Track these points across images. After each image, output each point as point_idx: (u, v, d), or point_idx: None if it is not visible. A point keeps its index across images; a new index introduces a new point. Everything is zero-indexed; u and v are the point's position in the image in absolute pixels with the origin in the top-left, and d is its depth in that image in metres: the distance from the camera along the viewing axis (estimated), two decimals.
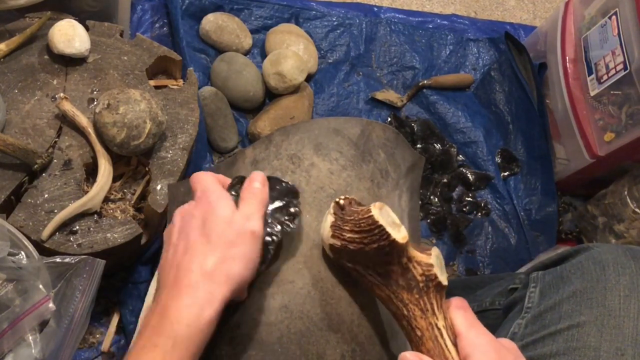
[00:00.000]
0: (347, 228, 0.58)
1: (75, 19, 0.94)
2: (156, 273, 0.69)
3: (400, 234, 0.55)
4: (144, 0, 1.28)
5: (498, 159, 1.31)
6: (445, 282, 0.55)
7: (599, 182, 1.22)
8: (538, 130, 1.29)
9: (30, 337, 0.71)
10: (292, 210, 0.63)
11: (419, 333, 0.54)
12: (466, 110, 1.33)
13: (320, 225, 0.64)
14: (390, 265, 0.56)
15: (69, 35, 0.91)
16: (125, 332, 0.97)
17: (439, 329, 0.53)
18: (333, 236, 0.60)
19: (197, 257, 0.55)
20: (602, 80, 1.13)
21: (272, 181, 0.64)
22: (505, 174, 1.31)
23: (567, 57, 1.22)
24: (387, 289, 0.57)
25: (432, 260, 0.55)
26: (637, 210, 1.13)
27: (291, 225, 0.62)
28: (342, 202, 0.61)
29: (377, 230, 0.55)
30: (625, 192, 1.15)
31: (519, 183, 1.30)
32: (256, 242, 0.57)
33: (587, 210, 1.24)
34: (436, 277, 0.54)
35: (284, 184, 0.65)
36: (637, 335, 0.60)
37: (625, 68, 1.06)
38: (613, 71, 1.09)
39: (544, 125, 1.28)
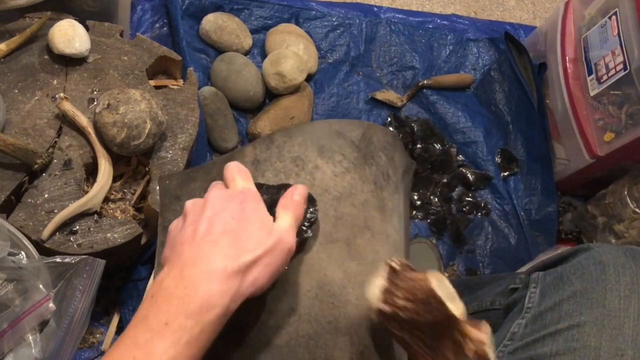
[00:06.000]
0: (400, 295, 0.55)
1: (75, 19, 0.94)
2: (157, 262, 0.68)
3: (458, 309, 0.52)
4: (144, 0, 1.29)
5: (498, 159, 1.31)
6: None
7: (599, 182, 1.22)
8: (538, 130, 1.29)
9: (30, 337, 0.71)
10: (310, 217, 0.63)
11: None
12: (466, 110, 1.33)
13: (367, 285, 0.60)
14: (442, 339, 0.54)
15: (69, 35, 0.91)
16: None
17: None
18: (384, 301, 0.57)
19: (237, 250, 0.52)
20: (602, 80, 1.13)
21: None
22: (505, 174, 1.31)
23: (567, 57, 1.22)
24: None
25: (485, 337, 0.52)
26: (637, 210, 1.13)
27: (308, 232, 0.62)
28: (396, 266, 0.57)
29: (434, 302, 0.52)
30: (625, 192, 1.15)
31: (519, 183, 1.30)
32: (287, 257, 0.56)
33: (587, 210, 1.24)
34: (487, 355, 0.52)
35: None
36: (637, 335, 0.60)
37: (625, 68, 1.06)
38: (613, 71, 1.09)
39: (544, 125, 1.28)
